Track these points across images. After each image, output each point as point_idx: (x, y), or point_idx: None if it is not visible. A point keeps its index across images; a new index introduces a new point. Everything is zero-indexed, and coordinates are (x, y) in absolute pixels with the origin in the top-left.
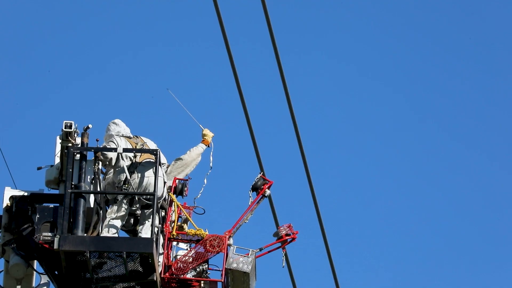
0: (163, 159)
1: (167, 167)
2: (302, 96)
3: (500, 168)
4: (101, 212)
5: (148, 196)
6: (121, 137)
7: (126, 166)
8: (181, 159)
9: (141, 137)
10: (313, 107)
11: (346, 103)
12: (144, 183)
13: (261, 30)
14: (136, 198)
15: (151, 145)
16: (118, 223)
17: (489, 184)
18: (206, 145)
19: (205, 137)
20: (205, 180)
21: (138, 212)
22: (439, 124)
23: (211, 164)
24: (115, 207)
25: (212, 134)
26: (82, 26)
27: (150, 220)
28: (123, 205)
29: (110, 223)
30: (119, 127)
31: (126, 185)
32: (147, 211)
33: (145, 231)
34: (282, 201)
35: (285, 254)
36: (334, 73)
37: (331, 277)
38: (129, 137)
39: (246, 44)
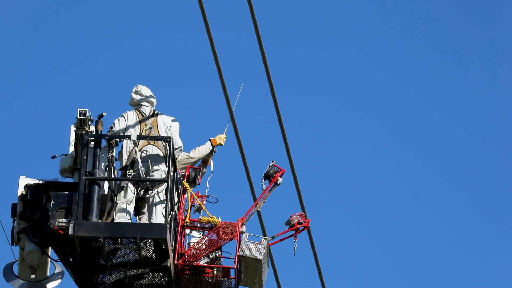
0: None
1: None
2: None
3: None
4: (115, 199)
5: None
6: (134, 112)
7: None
8: (189, 156)
9: (158, 117)
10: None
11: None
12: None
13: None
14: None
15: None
16: (130, 208)
17: (496, 180)
18: (213, 145)
19: (217, 139)
20: (207, 184)
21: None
22: (441, 120)
23: (212, 169)
24: (122, 193)
25: (225, 137)
26: (95, 14)
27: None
28: (130, 189)
29: (123, 208)
30: (142, 103)
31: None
32: (152, 192)
33: (159, 217)
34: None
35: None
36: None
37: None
38: (143, 118)
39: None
